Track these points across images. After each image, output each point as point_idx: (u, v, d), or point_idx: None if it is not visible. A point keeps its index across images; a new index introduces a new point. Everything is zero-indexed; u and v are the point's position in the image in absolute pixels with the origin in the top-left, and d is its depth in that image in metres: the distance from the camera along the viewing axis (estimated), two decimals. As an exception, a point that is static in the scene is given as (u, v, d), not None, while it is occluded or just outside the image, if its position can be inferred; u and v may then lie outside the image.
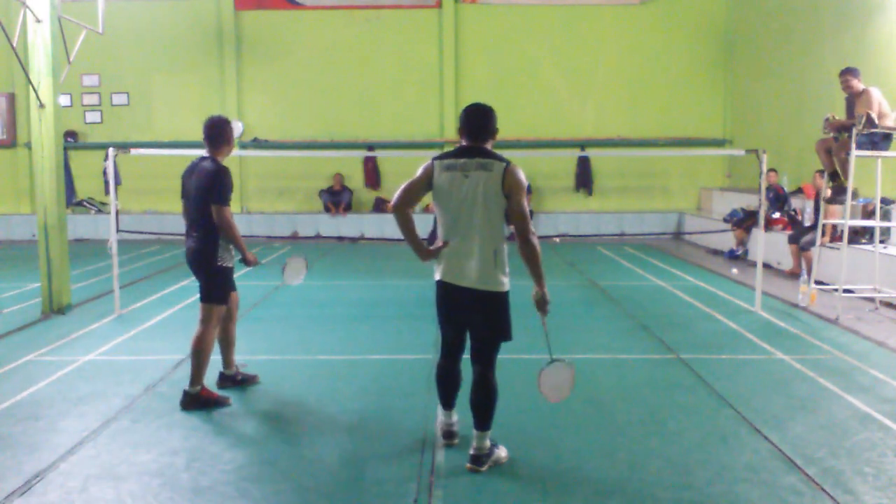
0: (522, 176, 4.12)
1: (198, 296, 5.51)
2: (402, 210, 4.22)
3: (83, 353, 6.69)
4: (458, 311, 4.28)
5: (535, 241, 4.14)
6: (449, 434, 4.55)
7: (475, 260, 4.12)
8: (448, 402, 4.53)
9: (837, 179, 8.52)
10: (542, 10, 17.09)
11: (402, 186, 4.25)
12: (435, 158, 4.25)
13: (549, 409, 5.27)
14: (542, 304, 4.31)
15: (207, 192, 5.34)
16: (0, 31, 8.23)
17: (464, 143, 4.25)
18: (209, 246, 5.31)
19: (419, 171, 4.24)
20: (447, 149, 17.67)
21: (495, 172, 4.06)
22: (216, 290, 5.35)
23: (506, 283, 4.22)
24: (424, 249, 4.25)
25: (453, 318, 4.33)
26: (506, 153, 4.35)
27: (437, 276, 4.29)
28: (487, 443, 4.23)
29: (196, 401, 5.16)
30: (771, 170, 12.15)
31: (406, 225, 4.22)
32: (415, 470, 4.20)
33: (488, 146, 4.23)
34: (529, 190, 16.13)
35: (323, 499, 3.88)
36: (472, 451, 4.22)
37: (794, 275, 10.82)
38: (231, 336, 5.67)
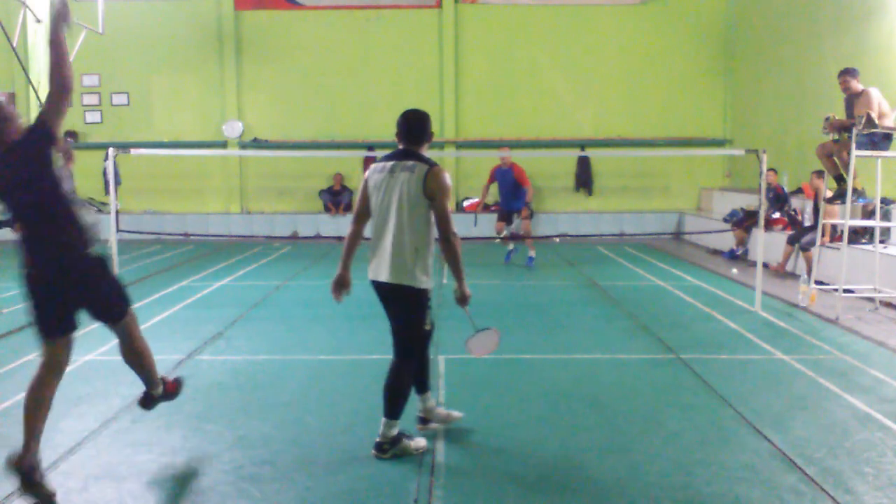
0: (446, 178, 4.26)
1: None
2: (355, 226, 4.53)
3: (83, 353, 6.68)
4: (383, 306, 4.47)
5: (456, 241, 4.30)
6: (423, 420, 4.76)
7: (394, 256, 4.25)
8: (418, 388, 4.70)
9: (843, 183, 8.51)
10: (542, 10, 17.10)
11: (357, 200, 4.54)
12: (374, 163, 4.48)
13: (550, 409, 5.27)
14: (462, 300, 4.51)
15: None
16: (0, 31, 8.23)
17: (400, 146, 4.43)
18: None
19: (361, 183, 4.49)
20: (447, 149, 17.77)
21: (417, 174, 4.23)
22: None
23: (425, 281, 4.32)
24: (343, 267, 4.51)
25: (385, 312, 4.50)
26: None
27: (369, 275, 4.45)
28: (393, 431, 4.37)
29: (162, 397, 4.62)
30: (770, 170, 12.16)
31: (353, 239, 4.51)
32: (415, 470, 4.21)
33: (422, 150, 4.40)
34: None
35: (323, 499, 3.88)
36: (377, 438, 4.39)
37: (780, 273, 10.85)
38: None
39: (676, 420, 4.99)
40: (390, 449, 4.35)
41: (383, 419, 4.35)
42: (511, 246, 12.40)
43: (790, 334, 7.44)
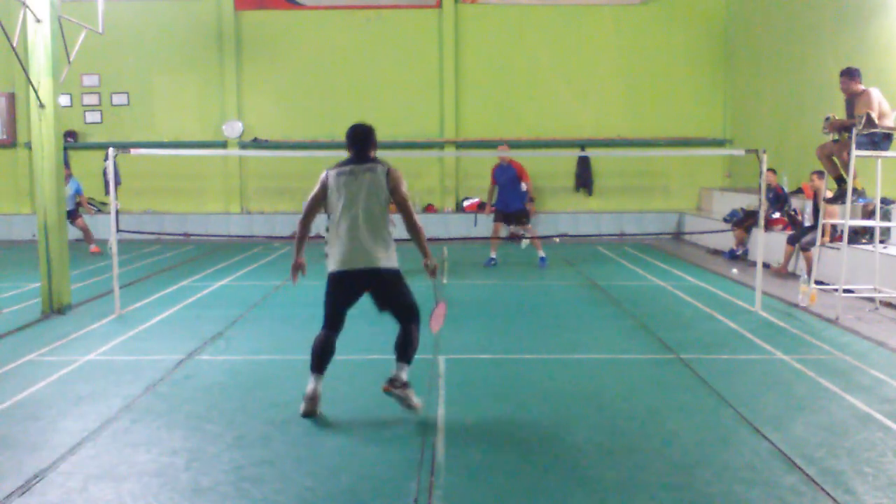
0: (400, 174, 5.13)
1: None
2: (306, 220, 5.22)
3: (83, 353, 6.69)
4: (354, 293, 5.09)
5: (418, 220, 5.16)
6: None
7: (374, 245, 4.97)
8: (322, 367, 5.16)
9: (844, 184, 8.50)
10: (542, 10, 17.09)
11: (306, 201, 5.22)
12: (328, 169, 5.15)
13: (550, 409, 5.28)
14: (432, 270, 5.25)
15: None
16: (0, 31, 8.23)
17: (351, 155, 5.18)
18: None
19: (317, 184, 5.14)
20: (447, 149, 17.72)
21: (380, 173, 5.05)
22: None
23: (395, 262, 5.09)
24: (300, 255, 5.21)
25: (345, 300, 5.11)
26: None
27: (333, 268, 5.03)
28: (405, 375, 5.02)
29: None
30: (770, 170, 12.15)
31: (306, 231, 5.24)
32: (415, 470, 4.21)
33: (371, 155, 5.17)
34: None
35: (323, 499, 3.88)
36: (391, 375, 5.01)
37: (781, 274, 10.85)
38: None
39: (676, 420, 4.99)
40: (400, 387, 4.96)
41: (398, 363, 5.00)
42: (494, 254, 12.09)
43: (790, 334, 7.44)
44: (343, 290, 5.07)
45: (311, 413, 5.05)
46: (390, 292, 5.10)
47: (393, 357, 5.07)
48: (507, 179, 11.76)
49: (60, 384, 5.81)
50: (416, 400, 5.00)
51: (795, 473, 4.14)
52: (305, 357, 6.57)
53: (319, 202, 5.15)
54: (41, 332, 7.53)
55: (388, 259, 5.01)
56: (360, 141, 5.17)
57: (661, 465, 4.27)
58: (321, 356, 5.13)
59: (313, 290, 9.94)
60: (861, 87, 8.39)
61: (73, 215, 12.78)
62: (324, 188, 5.11)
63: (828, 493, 3.88)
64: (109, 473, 4.16)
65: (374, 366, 6.24)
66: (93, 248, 13.65)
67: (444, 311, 5.36)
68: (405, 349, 5.07)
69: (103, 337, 7.34)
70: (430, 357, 6.51)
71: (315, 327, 7.51)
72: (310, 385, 5.09)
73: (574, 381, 5.95)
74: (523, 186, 11.81)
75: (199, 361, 6.48)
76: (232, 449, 4.51)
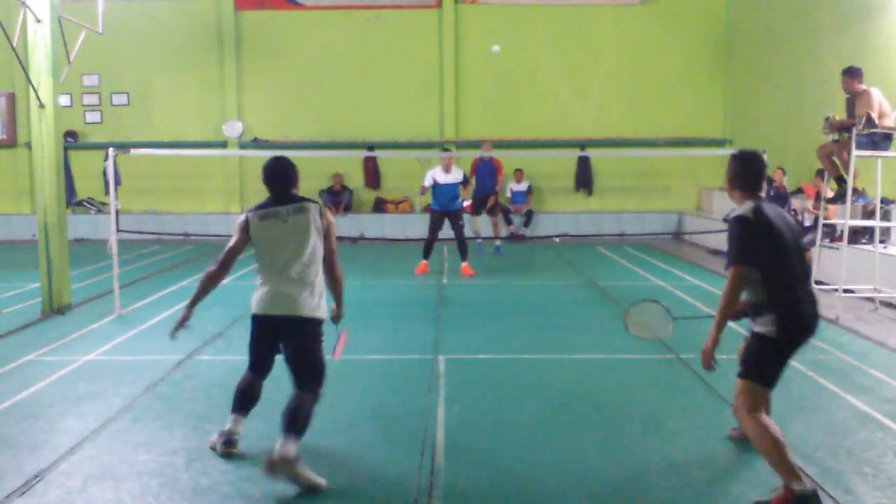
0: (333, 218, 4.67)
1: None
2: (225, 270, 4.64)
3: (83, 353, 6.69)
4: (272, 339, 4.57)
5: (340, 271, 4.71)
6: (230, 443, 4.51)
7: (302, 291, 4.40)
8: (245, 408, 4.65)
9: (844, 184, 8.50)
10: (542, 10, 17.09)
11: (225, 249, 4.58)
12: (248, 211, 4.57)
13: (549, 409, 5.28)
14: (337, 318, 4.83)
15: None
16: (0, 31, 8.23)
17: (271, 195, 4.55)
18: None
19: (236, 231, 4.55)
20: (447, 148, 17.68)
21: (313, 212, 4.50)
22: None
23: (320, 311, 4.48)
24: (189, 311, 4.66)
25: (265, 345, 4.65)
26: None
27: (253, 310, 4.55)
28: (293, 448, 4.03)
29: None
30: (779, 168, 12.15)
31: (213, 283, 4.67)
32: (415, 470, 4.21)
33: (294, 192, 4.59)
34: (530, 190, 16.39)
35: (323, 499, 3.88)
36: (273, 454, 3.98)
37: None
38: None
39: (676, 420, 4.99)
40: (288, 466, 3.95)
41: (286, 435, 4.04)
42: (479, 241, 13.59)
43: (790, 334, 7.43)
44: (261, 334, 4.62)
45: (227, 455, 4.43)
46: (302, 348, 4.46)
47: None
48: (486, 167, 13.71)
49: (60, 384, 5.82)
50: (316, 478, 4.03)
51: (795, 473, 4.14)
52: (305, 357, 6.60)
53: (239, 251, 4.59)
54: (41, 332, 7.53)
55: (314, 309, 4.44)
56: (282, 176, 4.56)
57: (661, 465, 4.27)
58: (242, 398, 4.64)
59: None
60: (862, 86, 8.38)
61: None
62: (245, 234, 4.52)
63: (828, 493, 3.88)
64: (109, 473, 4.16)
65: (375, 366, 6.24)
66: None
67: (345, 340, 4.93)
68: (295, 418, 4.14)
69: (103, 337, 7.34)
70: (430, 357, 6.51)
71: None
72: (228, 425, 4.54)
73: (574, 381, 5.95)
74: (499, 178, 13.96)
75: (199, 361, 6.48)
76: (232, 449, 4.50)
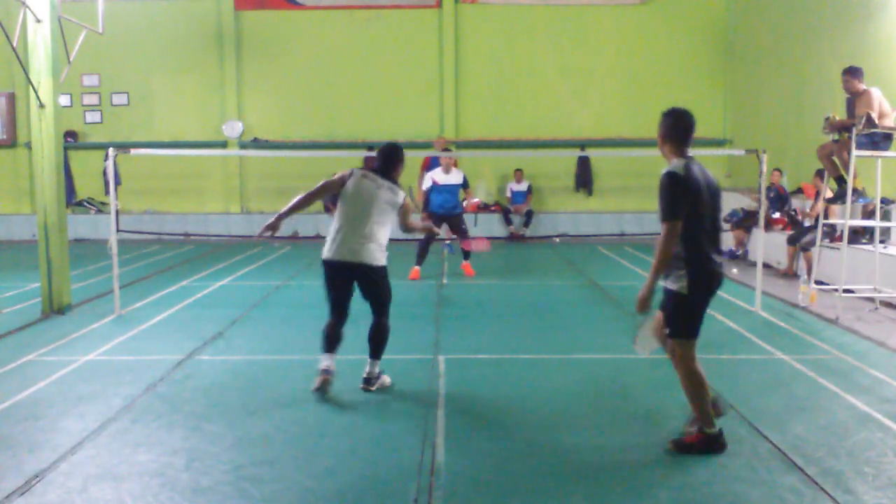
0: (411, 206, 5.83)
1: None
2: (316, 197, 5.68)
3: (83, 353, 6.69)
4: (343, 281, 5.53)
5: (412, 224, 5.83)
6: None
7: (366, 244, 5.42)
8: (332, 348, 5.59)
9: (844, 184, 8.50)
10: (542, 10, 17.09)
11: (321, 182, 5.64)
12: (356, 169, 5.63)
13: (549, 409, 5.27)
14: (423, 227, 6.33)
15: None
16: (0, 31, 8.23)
17: (378, 167, 5.66)
18: None
19: (337, 175, 5.60)
20: (448, 148, 17.71)
21: (397, 194, 5.62)
22: None
23: (384, 260, 5.56)
24: (278, 219, 5.48)
25: (337, 287, 5.55)
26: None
27: (329, 256, 5.47)
28: (377, 369, 5.58)
29: None
30: (776, 169, 12.15)
31: (299, 206, 5.60)
32: (415, 470, 4.21)
33: (395, 176, 5.69)
34: (530, 190, 16.39)
35: (323, 499, 3.88)
36: (364, 375, 5.55)
37: (788, 275, 10.84)
38: None
39: (676, 420, 4.98)
40: (376, 382, 5.54)
41: (371, 360, 5.55)
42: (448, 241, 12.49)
43: (790, 334, 7.44)
44: (332, 277, 5.50)
45: (322, 387, 5.40)
46: (371, 287, 5.54)
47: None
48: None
49: (60, 384, 5.81)
50: (388, 380, 5.63)
51: (795, 473, 4.14)
52: (305, 357, 6.61)
53: (330, 190, 5.57)
54: (41, 332, 7.53)
55: (378, 259, 5.46)
56: (389, 160, 5.68)
57: (661, 465, 4.27)
58: (329, 340, 5.54)
59: (313, 290, 9.98)
60: (863, 86, 8.38)
61: None
62: (342, 181, 5.54)
63: (828, 493, 3.88)
64: (109, 473, 4.16)
65: (374, 366, 6.24)
66: None
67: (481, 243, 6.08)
68: (377, 342, 5.57)
69: (103, 337, 7.34)
70: (430, 357, 6.51)
71: (315, 327, 7.56)
72: (323, 362, 5.49)
73: (574, 381, 5.95)
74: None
75: (199, 361, 6.48)
76: (232, 449, 4.51)
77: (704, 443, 4.32)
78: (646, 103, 17.13)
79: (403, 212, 5.65)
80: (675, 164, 4.26)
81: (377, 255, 5.46)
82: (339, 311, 5.58)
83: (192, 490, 3.96)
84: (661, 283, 4.30)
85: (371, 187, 5.52)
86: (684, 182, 4.14)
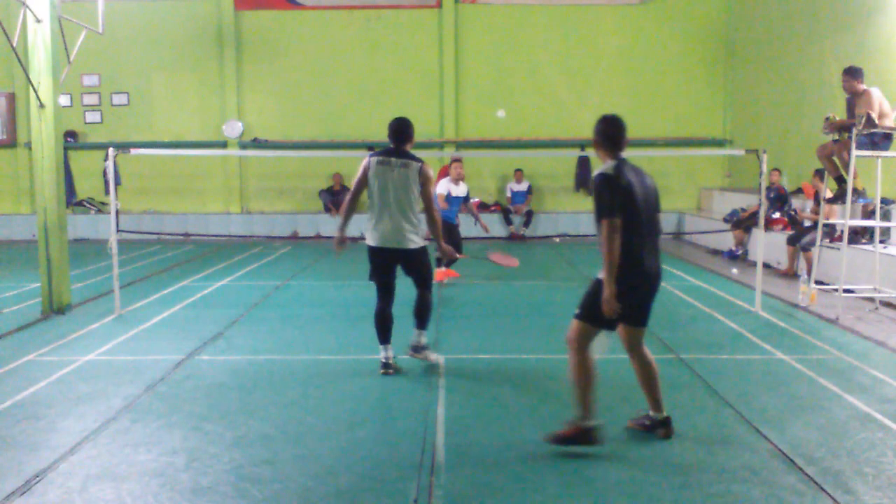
0: (431, 171, 5.96)
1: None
2: (355, 200, 6.05)
3: (83, 353, 6.69)
4: (388, 265, 5.94)
5: (438, 215, 6.11)
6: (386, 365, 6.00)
7: (402, 227, 5.82)
8: (387, 338, 6.04)
9: (844, 184, 8.50)
10: (542, 10, 17.10)
11: (353, 187, 6.02)
12: (371, 156, 5.94)
13: (549, 409, 5.27)
14: (444, 252, 6.39)
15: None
16: (0, 31, 8.23)
17: (391, 146, 5.95)
18: None
19: (359, 171, 5.93)
20: (447, 149, 17.74)
21: (413, 169, 5.87)
22: None
23: (421, 241, 5.95)
24: (342, 234, 6.10)
25: (382, 270, 5.96)
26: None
27: (369, 243, 5.91)
28: (424, 339, 6.10)
29: None
30: (774, 169, 12.15)
31: (348, 212, 6.08)
32: (415, 470, 4.21)
33: (408, 148, 5.97)
34: (530, 190, 16.39)
35: (323, 499, 3.88)
36: (412, 343, 6.08)
37: (788, 275, 10.84)
38: None
39: (676, 420, 4.98)
40: (422, 350, 6.07)
41: (416, 330, 6.08)
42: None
43: (790, 334, 7.44)
44: (378, 262, 5.92)
45: (387, 374, 5.94)
46: (414, 267, 6.01)
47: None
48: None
49: (60, 384, 5.81)
50: (434, 357, 6.15)
51: (795, 473, 4.14)
52: (305, 357, 6.62)
53: (363, 185, 5.91)
54: (41, 332, 7.53)
55: (416, 241, 5.88)
56: (399, 133, 5.93)
57: (661, 465, 4.27)
58: (381, 328, 5.98)
59: (313, 290, 10.00)
60: (863, 86, 8.38)
61: None
62: (365, 172, 5.89)
63: (828, 493, 3.88)
64: (109, 473, 4.16)
65: (375, 365, 6.23)
66: None
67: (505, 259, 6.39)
68: (422, 314, 6.07)
69: (103, 337, 7.34)
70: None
71: (316, 327, 7.56)
72: (381, 354, 5.99)
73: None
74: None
75: (199, 361, 6.48)
76: (232, 449, 4.51)
77: (579, 435, 4.40)
78: (645, 103, 17.16)
79: (424, 180, 5.85)
80: (607, 165, 4.43)
81: (413, 237, 5.85)
82: (385, 293, 5.99)
83: (192, 490, 3.96)
84: (598, 274, 4.41)
85: (384, 170, 5.84)
86: (615, 181, 4.31)
